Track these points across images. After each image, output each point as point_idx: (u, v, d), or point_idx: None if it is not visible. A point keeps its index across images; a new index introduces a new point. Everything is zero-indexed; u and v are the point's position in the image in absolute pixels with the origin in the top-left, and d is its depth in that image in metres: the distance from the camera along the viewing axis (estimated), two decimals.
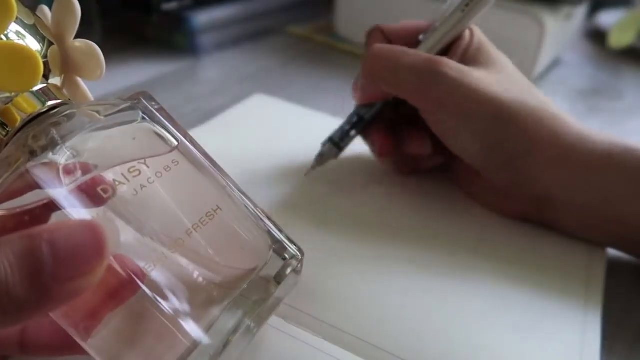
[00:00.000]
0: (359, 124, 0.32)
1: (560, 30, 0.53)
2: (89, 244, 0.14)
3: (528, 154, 0.28)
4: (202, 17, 0.54)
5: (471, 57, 0.30)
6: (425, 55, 0.28)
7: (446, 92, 0.27)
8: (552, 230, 0.30)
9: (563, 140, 0.28)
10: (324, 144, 0.33)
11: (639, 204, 0.27)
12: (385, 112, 0.32)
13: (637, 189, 0.27)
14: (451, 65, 0.28)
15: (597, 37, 0.67)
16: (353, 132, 0.32)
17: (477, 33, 0.31)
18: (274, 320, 0.23)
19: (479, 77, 0.28)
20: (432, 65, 0.28)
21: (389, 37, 0.32)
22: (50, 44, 0.19)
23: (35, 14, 0.19)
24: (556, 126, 0.28)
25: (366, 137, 0.34)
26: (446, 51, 0.30)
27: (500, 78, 0.29)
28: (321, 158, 0.33)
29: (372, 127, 0.33)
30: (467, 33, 0.30)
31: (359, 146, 0.36)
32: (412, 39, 0.31)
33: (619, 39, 0.62)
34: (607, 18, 0.68)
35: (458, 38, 0.30)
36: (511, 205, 0.31)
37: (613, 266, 0.29)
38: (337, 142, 0.32)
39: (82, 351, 0.16)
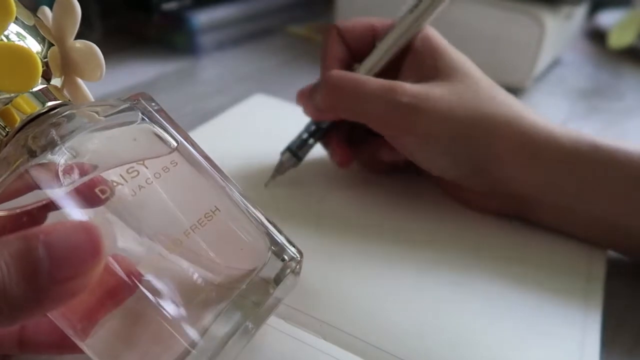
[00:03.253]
0: (317, 133, 0.32)
1: (560, 30, 0.53)
2: (85, 245, 0.14)
3: (497, 161, 0.28)
4: (202, 17, 0.54)
5: (428, 69, 0.29)
6: (381, 83, 0.28)
7: (405, 119, 0.28)
8: (551, 230, 0.30)
9: (530, 141, 0.28)
10: (282, 153, 0.33)
11: (610, 199, 0.27)
12: (343, 120, 0.32)
13: (605, 185, 0.27)
14: (407, 92, 0.27)
15: (597, 37, 0.67)
16: (311, 141, 0.32)
17: (433, 39, 0.30)
18: (273, 320, 0.23)
19: (435, 97, 0.28)
20: (389, 94, 0.28)
21: (344, 37, 0.32)
22: (51, 44, 0.19)
23: (35, 15, 0.19)
24: (522, 127, 0.28)
25: (326, 147, 0.34)
26: (401, 61, 0.30)
27: (460, 89, 0.28)
28: (280, 167, 0.33)
29: (331, 137, 0.33)
30: (420, 42, 0.30)
31: None
32: (368, 38, 0.31)
33: (619, 39, 0.62)
34: (607, 18, 0.68)
35: (410, 49, 0.30)
36: (491, 205, 0.31)
37: (613, 266, 0.29)
38: (295, 151, 0.32)
39: (81, 350, 0.16)
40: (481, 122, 0.28)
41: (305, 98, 0.32)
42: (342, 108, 0.29)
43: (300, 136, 0.33)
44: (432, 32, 0.30)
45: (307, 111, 0.32)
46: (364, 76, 0.29)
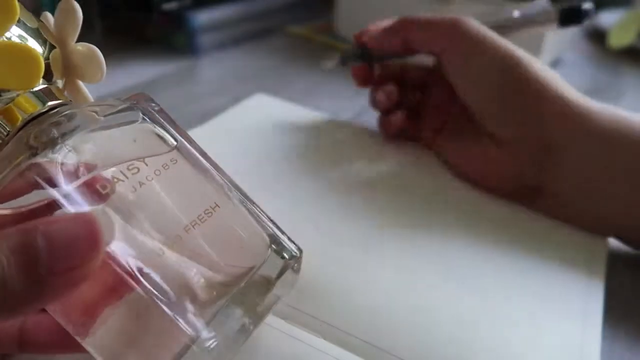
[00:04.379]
0: (365, 56, 0.37)
1: (560, 30, 0.53)
2: (84, 236, 0.14)
3: (537, 101, 0.30)
4: (202, 17, 0.54)
5: None
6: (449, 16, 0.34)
7: (469, 37, 0.32)
8: (553, 222, 0.30)
9: (569, 98, 0.30)
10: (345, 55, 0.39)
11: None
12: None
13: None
14: (473, 21, 0.33)
15: (597, 37, 0.67)
16: (359, 61, 0.38)
17: None
18: (273, 320, 0.23)
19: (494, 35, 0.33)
20: (458, 19, 0.33)
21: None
22: (52, 47, 0.19)
23: (38, 19, 0.19)
24: (563, 87, 0.31)
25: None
26: None
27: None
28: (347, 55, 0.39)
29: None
30: None
31: (355, 140, 0.36)
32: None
33: (619, 39, 0.62)
34: (607, 18, 0.68)
35: None
36: (511, 166, 0.32)
37: (615, 259, 0.29)
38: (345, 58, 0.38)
39: (82, 349, 0.16)
40: (528, 61, 0.32)
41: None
42: (417, 28, 0.34)
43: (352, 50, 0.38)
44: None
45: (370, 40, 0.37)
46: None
